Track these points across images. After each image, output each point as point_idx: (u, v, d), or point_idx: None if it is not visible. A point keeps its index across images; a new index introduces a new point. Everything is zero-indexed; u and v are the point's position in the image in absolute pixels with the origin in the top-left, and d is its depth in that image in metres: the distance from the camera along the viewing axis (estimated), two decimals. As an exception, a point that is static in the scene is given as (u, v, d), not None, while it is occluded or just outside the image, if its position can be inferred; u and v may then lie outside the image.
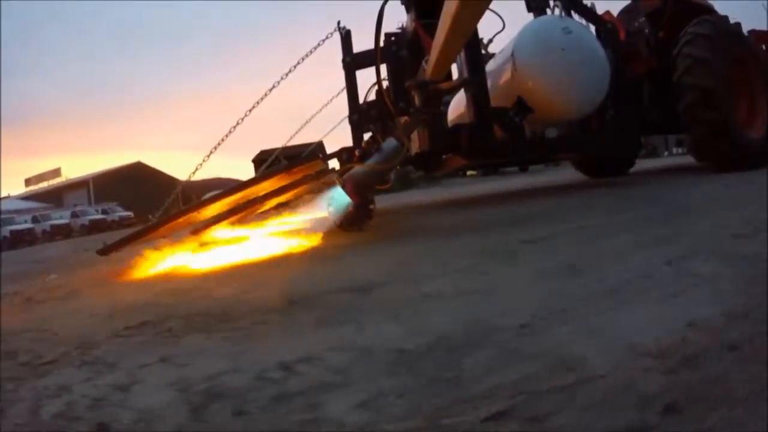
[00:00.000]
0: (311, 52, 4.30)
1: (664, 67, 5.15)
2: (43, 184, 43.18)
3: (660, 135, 12.39)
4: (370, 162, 3.70)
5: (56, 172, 42.62)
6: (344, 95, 4.97)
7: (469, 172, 15.57)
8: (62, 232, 24.62)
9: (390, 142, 3.79)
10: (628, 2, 6.08)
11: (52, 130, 76.06)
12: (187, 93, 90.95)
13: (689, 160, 6.54)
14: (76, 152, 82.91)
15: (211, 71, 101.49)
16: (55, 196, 39.77)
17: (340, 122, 6.01)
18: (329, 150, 4.56)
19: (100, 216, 27.97)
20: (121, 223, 25.36)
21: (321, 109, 5.17)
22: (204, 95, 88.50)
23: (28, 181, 44.54)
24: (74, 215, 27.90)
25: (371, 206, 4.00)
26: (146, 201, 32.42)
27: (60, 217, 27.50)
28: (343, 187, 3.62)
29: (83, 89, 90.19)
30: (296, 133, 4.93)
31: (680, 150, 15.54)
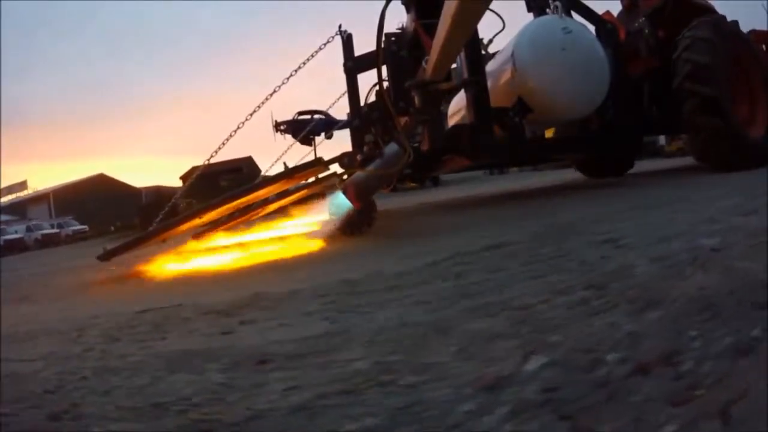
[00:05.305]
0: (312, 56, 4.47)
1: (663, 66, 5.40)
2: (11, 197, 43.50)
3: (660, 135, 12.77)
4: (372, 167, 3.91)
5: (23, 185, 43.36)
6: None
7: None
8: (17, 246, 24.53)
9: (392, 147, 4.00)
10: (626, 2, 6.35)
11: (24, 138, 75.69)
12: (166, 98, 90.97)
13: (650, 165, 6.49)
14: (45, 161, 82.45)
15: (193, 76, 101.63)
16: (20, 210, 40.20)
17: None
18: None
19: (53, 230, 28.06)
20: (75, 237, 25.34)
21: (324, 112, 5.35)
22: (184, 100, 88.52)
23: (-3, 194, 44.63)
24: (29, 229, 27.90)
25: (372, 211, 4.20)
26: (109, 213, 32.45)
27: (15, 232, 27.43)
28: (345, 193, 3.83)
29: (65, 93, 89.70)
30: (295, 141, 5.11)
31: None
